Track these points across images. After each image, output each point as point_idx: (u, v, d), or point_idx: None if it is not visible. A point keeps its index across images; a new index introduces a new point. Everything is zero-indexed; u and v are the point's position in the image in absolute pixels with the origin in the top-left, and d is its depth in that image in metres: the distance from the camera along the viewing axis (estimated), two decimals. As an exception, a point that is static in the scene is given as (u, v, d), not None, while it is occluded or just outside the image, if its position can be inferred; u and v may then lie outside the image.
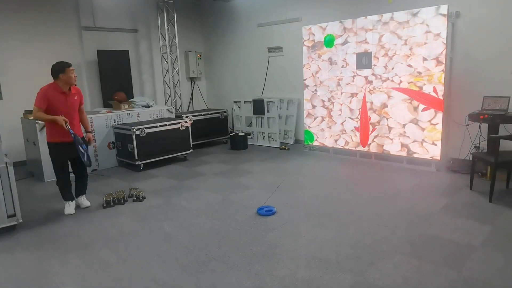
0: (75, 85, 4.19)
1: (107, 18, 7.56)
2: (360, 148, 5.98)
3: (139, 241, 3.48)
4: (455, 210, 3.87)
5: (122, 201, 4.51)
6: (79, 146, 4.05)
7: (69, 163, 4.33)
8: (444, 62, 4.94)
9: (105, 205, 4.42)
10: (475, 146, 5.06)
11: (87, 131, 4.34)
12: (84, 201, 4.45)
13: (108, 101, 7.05)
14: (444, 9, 4.84)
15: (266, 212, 3.94)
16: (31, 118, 3.95)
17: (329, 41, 6.17)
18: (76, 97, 4.17)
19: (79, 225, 3.92)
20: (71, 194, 4.34)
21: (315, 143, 6.60)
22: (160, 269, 2.96)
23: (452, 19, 5.09)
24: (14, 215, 3.77)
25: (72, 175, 4.39)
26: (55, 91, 3.98)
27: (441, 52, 4.94)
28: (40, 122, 5.46)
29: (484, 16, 4.93)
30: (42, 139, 5.47)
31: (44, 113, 3.93)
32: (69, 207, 4.26)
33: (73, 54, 7.14)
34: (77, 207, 4.38)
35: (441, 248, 3.08)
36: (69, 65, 4.01)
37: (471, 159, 4.54)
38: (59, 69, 3.96)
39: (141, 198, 4.60)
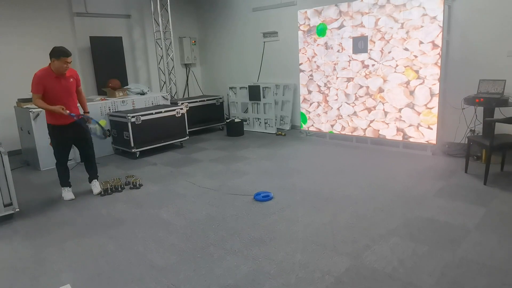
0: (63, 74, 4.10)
1: (99, 3, 7.43)
2: (356, 133, 5.99)
3: (137, 228, 3.49)
4: (450, 193, 3.90)
5: (119, 189, 4.52)
6: (86, 125, 4.18)
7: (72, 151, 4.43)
8: (440, 45, 4.91)
9: (102, 192, 4.42)
10: (470, 130, 5.08)
11: (85, 112, 4.33)
12: (95, 187, 4.48)
13: (103, 89, 6.98)
14: (440, -9, 4.79)
15: (263, 197, 3.95)
16: (32, 104, 4.07)
17: (321, 30, 6.12)
18: (72, 80, 4.14)
19: (76, 213, 3.93)
20: (68, 179, 4.37)
21: (311, 128, 6.60)
22: (158, 255, 2.98)
23: (448, 2, 5.04)
24: (11, 204, 3.77)
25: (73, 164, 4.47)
26: (49, 76, 3.95)
27: (437, 35, 4.91)
28: (34, 110, 5.42)
29: (481, -2, 4.89)
30: (37, 127, 5.45)
31: (42, 100, 3.93)
32: (68, 193, 4.30)
33: (66, 41, 7.03)
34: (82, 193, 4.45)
35: (436, 231, 3.12)
36: (67, 54, 3.92)
37: (466, 142, 4.56)
38: (55, 54, 3.91)
39: (138, 186, 4.60)
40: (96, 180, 4.53)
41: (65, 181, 4.34)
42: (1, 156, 3.66)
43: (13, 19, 6.38)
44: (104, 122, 4.43)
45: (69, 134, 4.16)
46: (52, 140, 4.22)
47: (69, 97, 4.12)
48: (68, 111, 3.99)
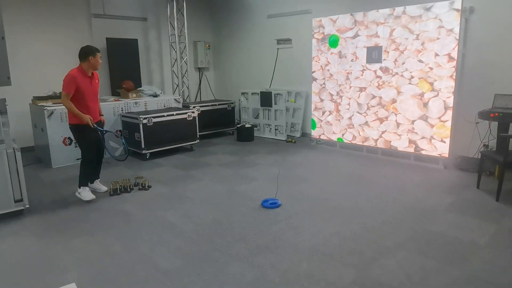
0: (98, 69, 4.25)
1: (117, 5, 7.55)
2: (367, 143, 5.94)
3: (144, 230, 3.50)
4: (461, 208, 3.83)
5: (128, 189, 4.55)
6: (102, 139, 4.31)
7: None
8: (456, 58, 4.86)
9: (111, 192, 4.45)
10: (484, 145, 5.00)
11: (100, 114, 4.42)
12: (101, 186, 4.52)
13: (116, 89, 7.07)
14: (458, 4, 4.75)
15: (270, 204, 3.94)
16: (63, 103, 4.00)
17: (333, 42, 6.12)
18: (97, 81, 4.27)
19: (85, 212, 3.96)
20: (90, 178, 4.40)
21: (322, 136, 6.57)
22: (163, 257, 2.99)
23: (465, 15, 4.99)
24: (21, 200, 3.81)
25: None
26: (82, 75, 4.02)
27: (453, 48, 4.86)
28: (48, 108, 5.51)
29: (499, 12, 4.83)
30: (51, 125, 5.53)
31: (72, 103, 3.96)
32: (89, 192, 4.28)
33: (82, 41, 7.11)
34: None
35: (445, 246, 3.06)
36: (98, 50, 4.11)
37: (479, 157, 4.48)
38: (90, 51, 4.02)
39: (146, 187, 4.62)
40: (99, 180, 4.58)
41: (87, 180, 4.33)
42: (14, 153, 3.71)
43: (32, 18, 6.52)
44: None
45: (95, 131, 4.21)
46: (81, 140, 4.19)
47: (95, 100, 4.24)
48: (95, 125, 4.11)
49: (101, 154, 4.49)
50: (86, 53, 4.01)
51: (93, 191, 4.39)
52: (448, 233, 3.29)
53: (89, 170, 4.29)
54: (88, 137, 4.14)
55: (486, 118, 4.59)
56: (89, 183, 4.41)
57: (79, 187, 4.26)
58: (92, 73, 4.16)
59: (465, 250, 2.98)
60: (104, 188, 4.51)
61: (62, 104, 5.84)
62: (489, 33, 4.93)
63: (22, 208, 3.84)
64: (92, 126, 4.05)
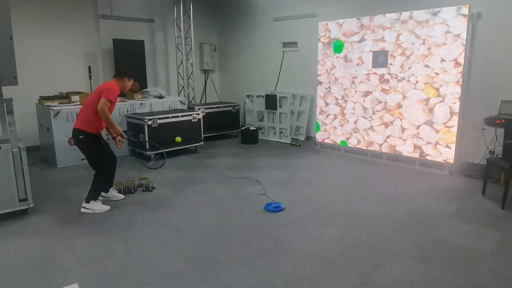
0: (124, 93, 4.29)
1: (124, 7, 7.59)
2: (371, 148, 5.92)
3: (146, 231, 3.51)
4: (465, 215, 3.80)
5: (132, 190, 4.56)
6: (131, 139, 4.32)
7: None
8: (462, 64, 4.83)
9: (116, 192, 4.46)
10: (490, 151, 4.96)
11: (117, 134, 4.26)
12: (117, 194, 4.38)
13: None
14: (465, 9, 4.72)
15: (274, 208, 3.93)
16: (98, 109, 3.81)
17: (338, 47, 6.12)
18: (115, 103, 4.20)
19: (87, 213, 3.96)
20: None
21: (326, 140, 6.55)
22: (166, 259, 2.99)
23: (473, 20, 4.96)
24: (26, 200, 3.83)
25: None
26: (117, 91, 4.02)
27: (460, 54, 4.83)
28: (54, 108, 5.54)
29: (506, 18, 4.80)
30: (56, 125, 5.56)
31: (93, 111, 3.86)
32: (102, 204, 4.02)
33: (89, 42, 7.22)
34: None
35: (449, 253, 3.03)
36: (133, 79, 4.23)
37: (485, 164, 4.44)
38: (128, 74, 4.12)
39: (150, 188, 4.63)
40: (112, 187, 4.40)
41: (99, 193, 4.09)
42: (20, 152, 3.73)
43: (39, 19, 6.58)
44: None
45: (103, 140, 4.16)
46: (94, 149, 3.95)
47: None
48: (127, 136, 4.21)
49: (115, 163, 4.31)
50: (124, 73, 4.09)
51: (107, 200, 4.21)
52: (452, 240, 3.26)
53: (104, 182, 4.09)
54: (103, 146, 4.05)
55: (492, 124, 4.55)
56: (103, 193, 4.24)
57: (88, 202, 3.95)
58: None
59: (470, 258, 2.96)
60: (121, 196, 4.36)
61: (69, 105, 5.83)
62: (497, 39, 4.89)
63: (27, 207, 3.86)
64: (125, 137, 4.14)
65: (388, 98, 5.61)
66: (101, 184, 4.06)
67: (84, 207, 3.94)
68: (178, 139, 4.17)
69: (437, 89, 5.09)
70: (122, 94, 7.07)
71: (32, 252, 3.15)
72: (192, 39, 8.17)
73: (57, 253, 3.10)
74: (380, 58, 5.62)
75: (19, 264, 2.97)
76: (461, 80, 4.87)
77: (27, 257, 3.07)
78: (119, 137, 4.13)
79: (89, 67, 5.82)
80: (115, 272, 2.82)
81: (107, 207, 3.99)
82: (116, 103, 6.21)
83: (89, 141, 3.91)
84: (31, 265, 2.94)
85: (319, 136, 6.68)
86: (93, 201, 3.96)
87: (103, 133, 4.26)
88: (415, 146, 5.42)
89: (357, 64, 5.92)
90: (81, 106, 5.78)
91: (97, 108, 3.79)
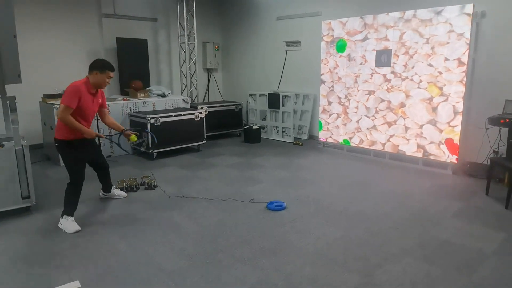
0: (103, 88, 3.78)
1: (127, 6, 7.60)
2: (374, 147, 5.90)
3: (148, 229, 3.51)
4: (469, 215, 3.78)
5: (135, 189, 4.57)
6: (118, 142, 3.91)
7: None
8: (466, 63, 4.81)
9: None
10: (493, 151, 4.93)
11: (123, 131, 3.91)
12: (120, 192, 4.30)
13: (125, 89, 7.12)
14: (469, 8, 4.69)
15: (275, 207, 3.92)
16: (58, 117, 3.42)
17: (341, 46, 6.10)
18: (100, 100, 3.79)
19: (90, 210, 3.99)
20: (76, 207, 3.64)
21: (329, 139, 6.54)
22: (167, 258, 2.99)
23: (477, 19, 4.93)
24: (29, 197, 3.85)
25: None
26: (87, 89, 3.53)
27: (464, 53, 4.80)
28: (57, 106, 5.55)
29: (511, 17, 4.76)
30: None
31: (72, 117, 3.43)
32: (74, 223, 3.52)
33: (93, 40, 7.24)
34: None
35: (452, 253, 3.02)
36: (111, 68, 3.63)
37: (488, 163, 4.42)
38: (99, 66, 3.56)
39: (152, 187, 4.64)
40: (114, 186, 4.29)
41: (73, 207, 3.59)
42: (23, 150, 3.75)
43: (43, 18, 6.60)
44: (134, 138, 3.89)
45: (87, 148, 3.68)
46: (67, 158, 3.59)
47: (92, 118, 3.73)
48: (105, 134, 3.75)
49: (103, 167, 4.06)
50: (94, 66, 3.57)
51: (109, 199, 4.20)
52: (455, 240, 3.24)
53: (77, 195, 3.62)
54: (79, 155, 3.59)
55: (496, 124, 4.52)
56: (103, 193, 4.20)
57: (62, 216, 3.53)
58: (97, 90, 3.68)
59: (472, 258, 2.94)
60: (123, 194, 4.31)
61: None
62: (501, 38, 4.86)
63: (30, 205, 3.88)
64: (103, 136, 3.84)
65: (391, 97, 5.59)
66: (72, 197, 3.59)
67: (59, 222, 3.56)
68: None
69: (441, 88, 5.07)
70: (125, 93, 7.10)
71: (34, 249, 3.16)
72: (195, 38, 8.17)
73: (59, 251, 3.12)
74: (384, 57, 5.60)
75: (21, 261, 2.98)
76: (464, 79, 4.85)
77: (29, 254, 3.08)
78: (127, 132, 3.88)
79: (92, 66, 5.91)
80: (117, 269, 2.83)
81: (76, 228, 3.47)
82: (119, 102, 6.29)
83: (62, 149, 3.57)
84: (33, 262, 2.95)
85: (322, 135, 6.67)
86: (66, 217, 3.52)
87: (106, 131, 4.18)
88: (419, 146, 5.39)
89: (361, 63, 5.90)
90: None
91: (58, 116, 3.41)
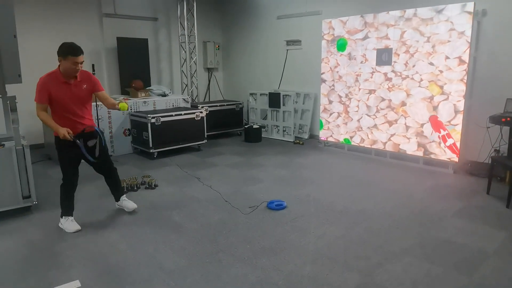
0: (72, 76, 3.31)
1: (127, 5, 7.60)
2: (375, 146, 5.89)
3: (149, 228, 3.51)
4: (470, 214, 3.77)
5: (135, 188, 4.57)
6: (85, 153, 3.40)
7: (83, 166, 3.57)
8: (467, 61, 4.79)
9: (118, 191, 4.47)
10: (495, 150, 4.91)
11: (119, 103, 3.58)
12: (128, 203, 3.84)
13: (126, 88, 7.12)
14: (470, 6, 4.68)
15: (276, 206, 3.92)
16: (37, 115, 3.29)
17: (341, 45, 6.09)
18: (85, 86, 3.38)
19: (91, 210, 3.99)
20: (73, 205, 3.57)
21: (329, 138, 6.53)
22: (168, 257, 2.99)
23: (478, 17, 4.91)
24: (29, 197, 3.86)
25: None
26: (56, 80, 3.23)
27: (465, 51, 4.79)
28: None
29: (512, 15, 4.75)
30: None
31: (46, 113, 3.27)
32: (73, 223, 3.48)
33: (93, 40, 7.24)
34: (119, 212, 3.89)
35: (452, 253, 3.01)
36: (75, 52, 3.16)
37: (490, 162, 4.41)
38: (61, 51, 3.19)
39: (153, 186, 4.64)
40: (125, 195, 3.95)
41: (69, 207, 3.51)
42: (23, 149, 3.75)
43: (43, 17, 6.61)
44: (125, 106, 3.51)
45: (77, 147, 3.37)
46: (59, 155, 3.45)
47: (81, 107, 3.40)
48: (73, 137, 3.26)
49: (104, 164, 3.70)
50: (58, 51, 3.19)
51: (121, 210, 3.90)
52: (456, 239, 3.23)
53: (69, 193, 3.50)
54: (66, 155, 3.40)
55: (497, 122, 4.51)
56: (116, 202, 3.91)
57: (61, 217, 3.51)
58: (76, 77, 3.31)
59: (473, 258, 2.93)
60: (133, 206, 3.83)
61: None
62: (502, 36, 4.84)
63: (30, 204, 3.88)
64: (71, 139, 3.24)
65: (392, 96, 5.58)
66: (64, 197, 3.49)
67: (59, 222, 3.54)
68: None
69: (442, 87, 5.05)
70: (125, 93, 7.09)
71: (34, 248, 3.16)
72: (196, 37, 8.17)
73: (59, 250, 3.12)
74: (384, 56, 5.58)
75: (22, 260, 2.98)
76: (465, 78, 4.83)
77: (29, 253, 3.08)
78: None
79: (93, 65, 5.86)
80: (117, 268, 2.83)
81: (76, 228, 3.44)
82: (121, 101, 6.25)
83: (56, 146, 3.43)
84: (33, 262, 2.96)
85: (323, 134, 6.66)
86: (65, 217, 3.49)
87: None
88: (419, 145, 5.38)
89: (361, 62, 5.89)
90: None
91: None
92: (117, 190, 3.89)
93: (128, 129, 6.35)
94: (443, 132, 5.12)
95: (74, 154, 3.42)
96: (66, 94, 3.28)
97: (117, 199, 3.91)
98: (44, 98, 3.22)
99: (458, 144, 5.00)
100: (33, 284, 2.67)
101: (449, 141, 5.08)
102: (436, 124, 5.16)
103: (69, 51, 3.16)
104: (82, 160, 3.52)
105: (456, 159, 5.04)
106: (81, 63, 3.25)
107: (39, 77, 3.31)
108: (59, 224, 3.53)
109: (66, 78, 3.27)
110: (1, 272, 2.83)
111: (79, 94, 3.36)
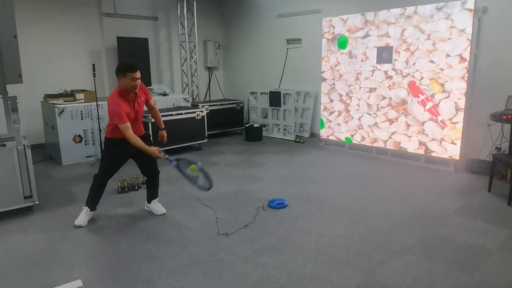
0: (132, 93, 3.40)
1: (127, 5, 7.60)
2: (376, 144, 5.88)
3: (150, 228, 3.52)
4: (471, 212, 3.76)
5: (136, 188, 4.57)
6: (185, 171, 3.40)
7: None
8: (468, 59, 4.78)
9: (119, 190, 4.48)
10: (496, 147, 4.91)
11: (161, 129, 3.84)
12: (159, 206, 3.87)
13: (126, 88, 7.11)
14: (470, 3, 4.67)
15: (277, 205, 3.92)
16: (127, 138, 3.29)
17: (342, 43, 6.08)
18: (142, 98, 3.54)
19: (92, 209, 3.99)
20: (98, 203, 3.67)
21: (330, 137, 6.53)
22: (169, 256, 2.99)
23: (478, 15, 4.90)
24: (31, 197, 3.86)
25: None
26: (124, 100, 3.33)
27: (465, 49, 4.78)
28: (59, 106, 5.57)
29: (513, 12, 4.74)
30: (61, 122, 5.60)
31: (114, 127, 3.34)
32: (86, 216, 3.57)
33: (94, 40, 7.24)
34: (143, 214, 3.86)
35: (454, 250, 3.01)
36: (132, 69, 3.27)
37: (491, 160, 4.40)
38: (119, 70, 3.32)
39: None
40: (157, 199, 3.93)
41: (95, 202, 3.64)
42: (24, 149, 3.76)
43: (43, 17, 6.61)
44: (194, 168, 3.41)
45: (130, 150, 3.42)
46: (107, 154, 3.60)
47: (137, 119, 3.55)
48: (167, 156, 3.37)
49: (152, 166, 3.76)
50: (116, 71, 3.34)
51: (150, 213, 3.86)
52: (458, 237, 3.23)
53: (100, 189, 3.62)
54: (116, 152, 3.51)
55: (498, 120, 4.50)
56: (147, 204, 3.91)
57: (85, 205, 3.63)
58: (135, 92, 3.41)
59: (475, 255, 2.93)
60: (162, 210, 3.82)
61: (73, 103, 5.63)
62: (503, 34, 4.83)
63: (32, 204, 3.88)
64: (164, 158, 3.36)
65: (393, 94, 5.57)
66: (93, 191, 3.61)
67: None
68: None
69: (442, 85, 5.04)
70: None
71: (36, 248, 3.16)
72: (196, 36, 8.16)
73: (61, 250, 3.12)
74: (385, 54, 5.58)
75: (24, 260, 2.99)
76: (466, 75, 4.82)
77: (31, 253, 3.09)
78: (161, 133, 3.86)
79: (93, 65, 5.86)
80: (119, 268, 2.83)
81: (81, 223, 3.51)
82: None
83: (107, 145, 3.60)
84: (35, 261, 2.96)
85: (323, 133, 6.66)
86: (85, 207, 3.60)
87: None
88: (420, 143, 5.38)
89: (362, 60, 5.88)
90: (85, 103, 5.84)
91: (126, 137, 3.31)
92: (154, 192, 3.90)
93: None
94: (421, 97, 5.20)
95: (124, 154, 3.54)
96: (131, 111, 3.41)
97: (149, 202, 3.91)
98: (126, 118, 3.28)
99: (459, 142, 4.99)
100: (35, 284, 2.67)
101: (428, 105, 5.15)
102: (414, 89, 5.23)
103: (126, 68, 3.30)
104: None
105: (457, 157, 5.02)
106: (139, 78, 3.36)
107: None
108: (83, 207, 3.60)
109: (129, 95, 3.39)
110: (4, 271, 2.84)
111: (138, 108, 3.52)
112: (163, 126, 3.89)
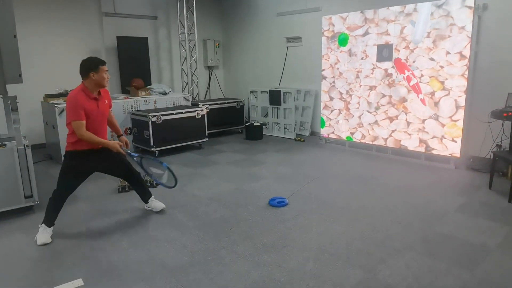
0: (106, 86, 3.36)
1: (127, 4, 7.59)
2: (376, 142, 5.88)
3: (151, 227, 3.52)
4: (472, 209, 3.76)
5: (136, 187, 4.57)
6: (148, 168, 3.45)
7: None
8: (468, 56, 4.77)
9: (120, 190, 4.48)
10: (496, 145, 4.90)
11: (119, 135, 3.65)
12: (156, 203, 3.85)
13: (126, 87, 7.11)
14: (470, 1, 4.65)
15: (277, 203, 3.92)
16: (79, 136, 3.16)
17: (343, 40, 6.06)
18: (106, 101, 3.43)
19: (93, 208, 3.99)
20: (55, 218, 3.36)
21: (331, 135, 6.52)
22: (170, 255, 2.99)
23: (478, 12, 4.89)
24: (31, 196, 3.86)
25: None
26: (86, 97, 3.19)
27: (465, 46, 4.77)
28: (59, 105, 5.56)
29: (513, 9, 4.73)
30: (61, 122, 5.58)
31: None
32: (46, 233, 3.24)
33: (93, 39, 7.24)
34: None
35: (455, 248, 3.01)
36: (103, 62, 3.24)
37: (492, 157, 4.40)
38: (91, 66, 3.18)
39: (154, 184, 4.64)
40: (152, 197, 3.92)
41: (53, 218, 3.33)
42: (24, 149, 3.76)
43: (43, 17, 6.60)
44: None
45: (95, 161, 3.33)
46: (67, 169, 3.32)
47: (103, 124, 3.40)
48: (128, 150, 3.36)
49: (131, 174, 3.72)
50: (86, 69, 3.17)
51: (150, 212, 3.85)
52: (459, 235, 3.23)
53: (59, 206, 3.35)
54: (79, 165, 3.30)
55: (499, 117, 4.49)
56: (145, 205, 3.88)
57: (41, 223, 3.30)
58: (99, 92, 3.32)
59: (476, 253, 2.93)
60: (161, 205, 3.84)
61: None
62: (503, 31, 4.82)
63: (32, 204, 3.88)
64: (124, 153, 3.36)
65: (393, 92, 5.56)
66: (51, 209, 3.33)
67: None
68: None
69: (442, 83, 5.04)
70: (126, 92, 7.09)
71: (37, 248, 3.16)
72: (196, 35, 8.16)
73: (62, 249, 3.12)
74: (385, 52, 5.57)
75: (25, 259, 2.99)
76: (466, 73, 4.81)
77: (32, 253, 3.09)
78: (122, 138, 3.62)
79: (93, 65, 5.92)
80: (120, 267, 2.83)
81: (44, 241, 3.18)
82: (120, 100, 6.27)
83: (68, 159, 3.37)
84: (36, 261, 2.96)
85: (324, 131, 6.65)
86: (41, 225, 3.29)
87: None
88: (421, 140, 5.37)
89: (362, 58, 5.87)
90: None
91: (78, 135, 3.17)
92: (144, 191, 3.86)
93: (129, 128, 6.35)
94: (407, 73, 5.25)
95: (89, 167, 3.38)
96: (94, 110, 3.25)
97: (146, 202, 3.89)
98: (82, 115, 3.13)
99: (459, 140, 4.98)
100: (36, 283, 2.67)
101: (413, 81, 5.22)
102: (400, 66, 5.30)
103: (98, 62, 3.22)
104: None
105: (458, 155, 5.01)
106: (108, 71, 3.32)
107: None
108: (39, 226, 3.30)
109: (93, 93, 3.26)
110: (5, 271, 2.84)
111: (103, 110, 3.38)
112: (121, 132, 3.73)
